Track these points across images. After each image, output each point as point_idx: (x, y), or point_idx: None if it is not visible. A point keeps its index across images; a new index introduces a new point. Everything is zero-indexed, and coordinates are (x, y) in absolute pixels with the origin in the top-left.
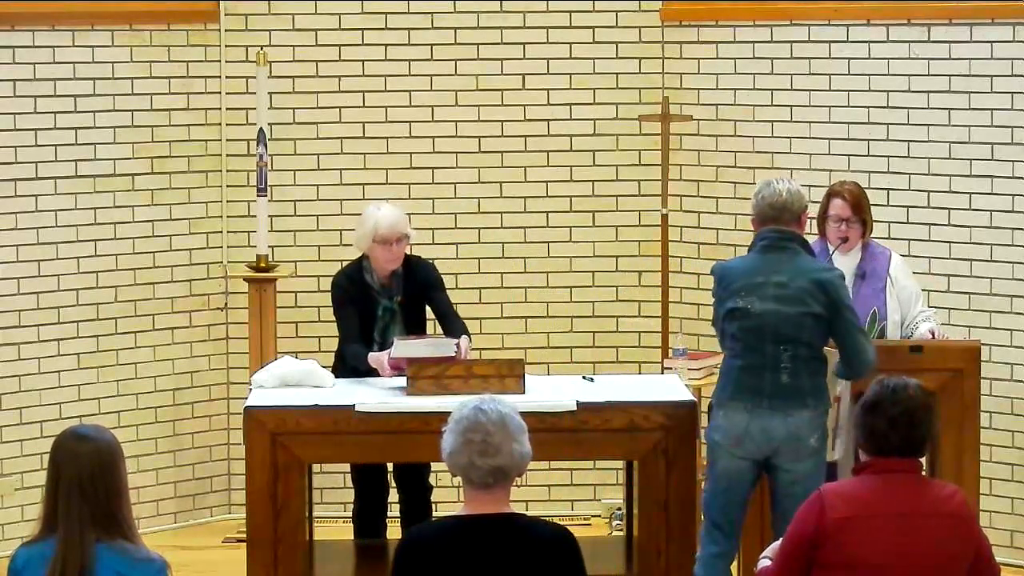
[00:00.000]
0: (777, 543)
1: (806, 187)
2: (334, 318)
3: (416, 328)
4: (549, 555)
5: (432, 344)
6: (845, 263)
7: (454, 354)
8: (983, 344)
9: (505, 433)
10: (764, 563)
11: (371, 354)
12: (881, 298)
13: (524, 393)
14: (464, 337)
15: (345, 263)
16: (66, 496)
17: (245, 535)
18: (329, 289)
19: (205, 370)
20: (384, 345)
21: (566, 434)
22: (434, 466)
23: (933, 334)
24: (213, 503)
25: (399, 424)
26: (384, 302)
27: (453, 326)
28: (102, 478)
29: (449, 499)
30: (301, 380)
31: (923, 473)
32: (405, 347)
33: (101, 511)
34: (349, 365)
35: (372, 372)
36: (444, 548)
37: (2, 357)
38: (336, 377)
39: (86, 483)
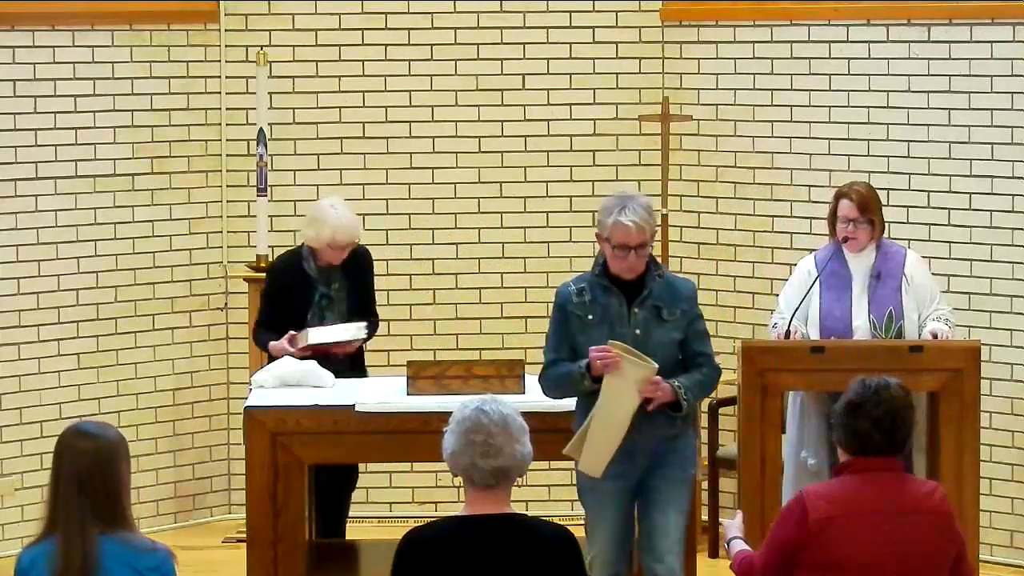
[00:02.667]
0: (738, 519)
1: (805, 187)
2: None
3: (360, 314)
4: (550, 555)
5: (341, 329)
6: (860, 263)
7: (364, 337)
8: (983, 344)
9: (507, 434)
10: (737, 544)
11: (272, 343)
12: (897, 298)
13: (524, 393)
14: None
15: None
16: (65, 491)
17: (245, 535)
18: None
19: (205, 370)
20: None
21: (566, 434)
22: (432, 466)
23: (935, 335)
24: (213, 503)
25: (399, 424)
26: (321, 289)
27: (362, 319)
28: (100, 474)
29: (449, 499)
30: (301, 380)
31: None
32: (318, 333)
33: (102, 506)
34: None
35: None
36: (445, 548)
37: (2, 357)
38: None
39: (84, 479)
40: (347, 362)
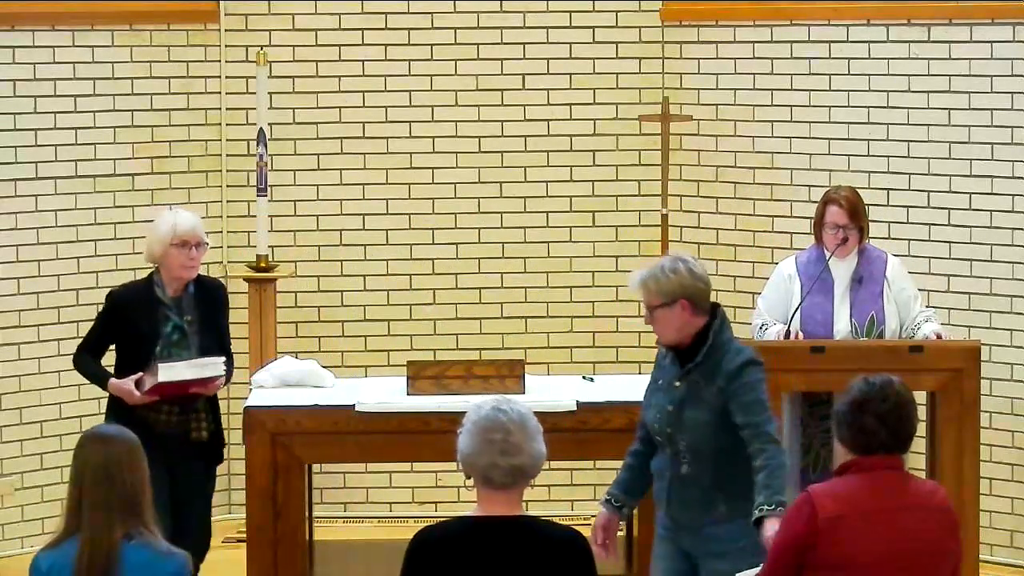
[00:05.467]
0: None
1: (806, 187)
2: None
3: (213, 350)
4: (560, 557)
5: (197, 364)
6: (842, 268)
7: (223, 373)
8: (983, 344)
9: (525, 433)
10: None
11: (113, 381)
12: (879, 303)
13: (524, 393)
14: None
15: (346, 263)
16: (91, 496)
17: (245, 535)
18: (107, 294)
19: None
20: None
21: (566, 434)
22: (432, 466)
23: (939, 336)
24: (213, 503)
25: (399, 424)
26: (174, 319)
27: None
28: (130, 474)
29: (449, 499)
30: (301, 380)
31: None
32: (170, 370)
33: (127, 508)
34: (86, 378)
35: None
36: (456, 549)
37: (2, 357)
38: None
39: (115, 479)
40: (198, 441)
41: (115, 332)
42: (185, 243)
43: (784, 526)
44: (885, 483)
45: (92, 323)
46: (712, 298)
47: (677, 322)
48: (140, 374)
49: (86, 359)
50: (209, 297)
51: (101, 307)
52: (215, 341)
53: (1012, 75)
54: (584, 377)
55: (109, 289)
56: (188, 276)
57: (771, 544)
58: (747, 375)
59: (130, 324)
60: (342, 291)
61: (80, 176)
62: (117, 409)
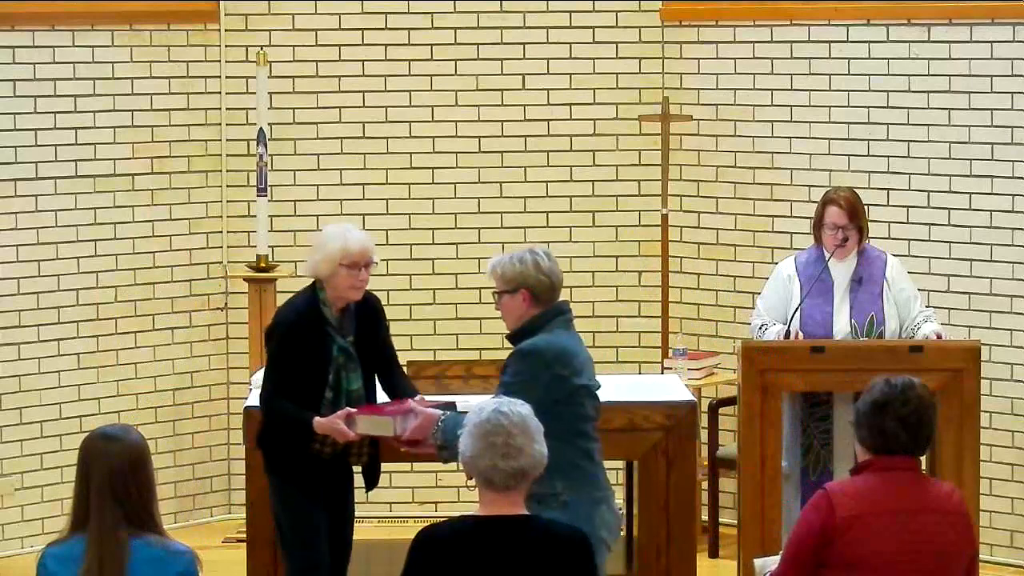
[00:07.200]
0: (776, 558)
1: (806, 187)
2: (268, 363)
3: (378, 372)
4: (564, 556)
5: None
6: (841, 269)
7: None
8: (983, 344)
9: (527, 435)
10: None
11: (319, 420)
12: (879, 303)
13: None
14: (419, 396)
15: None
16: (99, 495)
17: (245, 535)
18: (274, 324)
19: (205, 370)
20: (339, 395)
21: None
22: (432, 466)
23: (939, 336)
24: (213, 503)
25: None
26: (339, 340)
27: (399, 382)
28: (133, 476)
29: (449, 499)
30: None
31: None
32: (402, 423)
33: (133, 508)
34: (278, 427)
35: (304, 440)
36: (460, 548)
37: (2, 357)
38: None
39: (118, 482)
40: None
41: (295, 361)
42: (355, 264)
43: (802, 523)
44: (902, 484)
45: (269, 364)
46: (563, 296)
47: (517, 311)
48: (348, 410)
49: (280, 405)
50: (368, 312)
51: (272, 341)
52: (375, 360)
53: (1012, 75)
54: None
55: (110, 289)
56: (356, 298)
57: (788, 543)
58: (512, 360)
59: (304, 351)
60: None
61: (80, 176)
62: (276, 441)
